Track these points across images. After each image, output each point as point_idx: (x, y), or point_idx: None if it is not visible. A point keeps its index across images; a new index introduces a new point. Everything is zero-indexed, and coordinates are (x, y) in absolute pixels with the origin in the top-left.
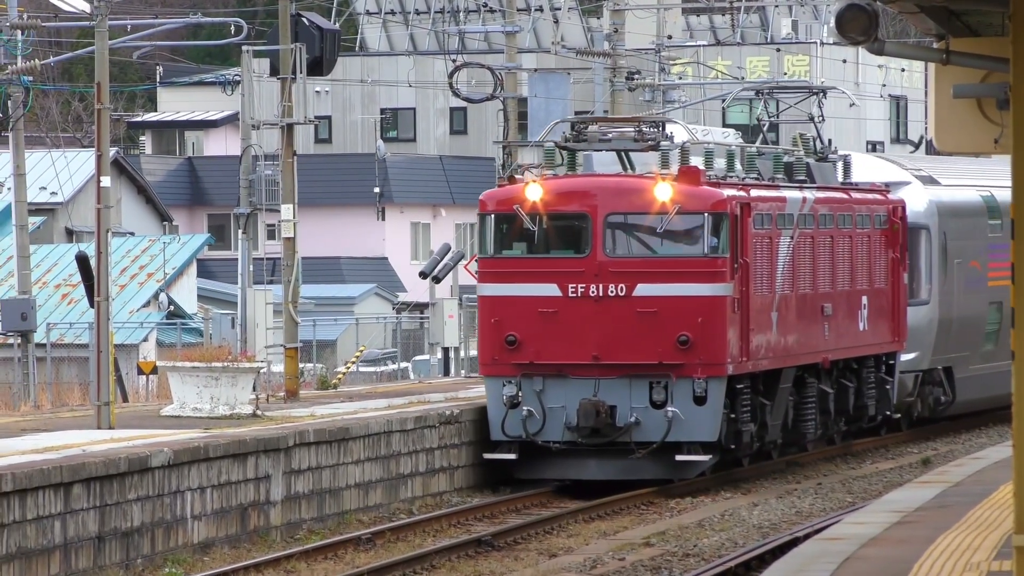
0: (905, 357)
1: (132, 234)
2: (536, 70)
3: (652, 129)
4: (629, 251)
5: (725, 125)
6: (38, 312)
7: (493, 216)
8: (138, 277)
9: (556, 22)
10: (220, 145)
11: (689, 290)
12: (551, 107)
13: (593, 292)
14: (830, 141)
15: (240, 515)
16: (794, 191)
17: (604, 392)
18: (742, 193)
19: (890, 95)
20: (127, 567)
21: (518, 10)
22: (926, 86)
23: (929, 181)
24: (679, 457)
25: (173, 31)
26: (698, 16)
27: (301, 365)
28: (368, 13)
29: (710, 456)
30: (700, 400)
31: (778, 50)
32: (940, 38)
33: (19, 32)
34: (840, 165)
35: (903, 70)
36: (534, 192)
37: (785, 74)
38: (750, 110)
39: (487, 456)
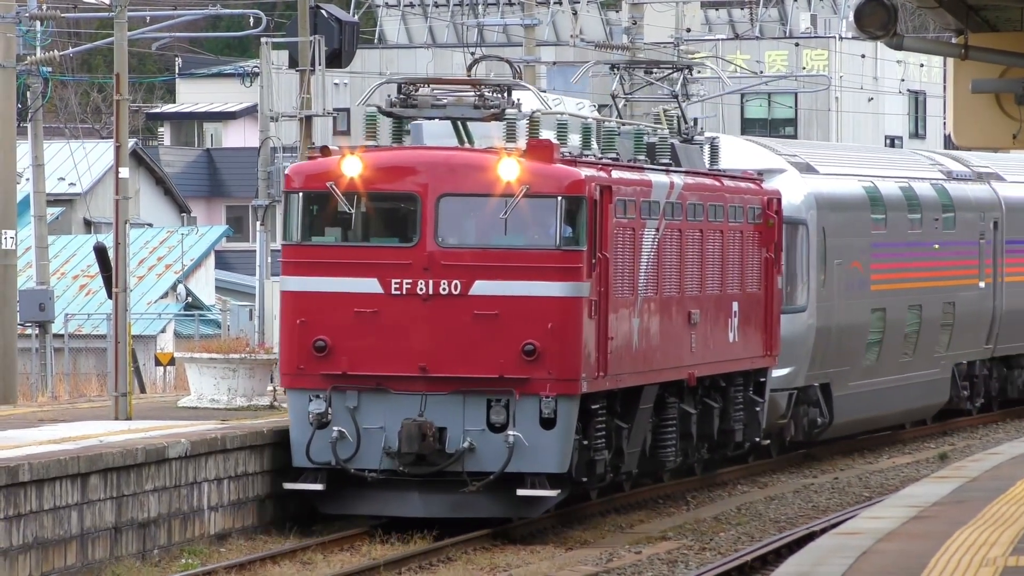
0: (777, 373)
1: (150, 225)
2: (555, 63)
3: (496, 95)
4: (466, 240)
5: (744, 120)
6: (56, 303)
7: (301, 195)
8: (156, 268)
9: (575, 15)
10: (239, 137)
11: (537, 289)
12: None
13: (421, 289)
14: (696, 121)
15: (257, 506)
16: (660, 175)
17: (432, 411)
18: (602, 174)
19: (908, 90)
20: (143, 558)
21: (537, 3)
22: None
23: (806, 169)
24: (521, 492)
25: (192, 22)
26: (717, 10)
27: None
28: (387, 5)
29: (558, 491)
30: (548, 423)
31: (797, 44)
32: (959, 33)
33: (38, 23)
34: (707, 148)
35: (922, 65)
36: (351, 167)
37: (803, 68)
38: (768, 104)
39: (287, 486)
